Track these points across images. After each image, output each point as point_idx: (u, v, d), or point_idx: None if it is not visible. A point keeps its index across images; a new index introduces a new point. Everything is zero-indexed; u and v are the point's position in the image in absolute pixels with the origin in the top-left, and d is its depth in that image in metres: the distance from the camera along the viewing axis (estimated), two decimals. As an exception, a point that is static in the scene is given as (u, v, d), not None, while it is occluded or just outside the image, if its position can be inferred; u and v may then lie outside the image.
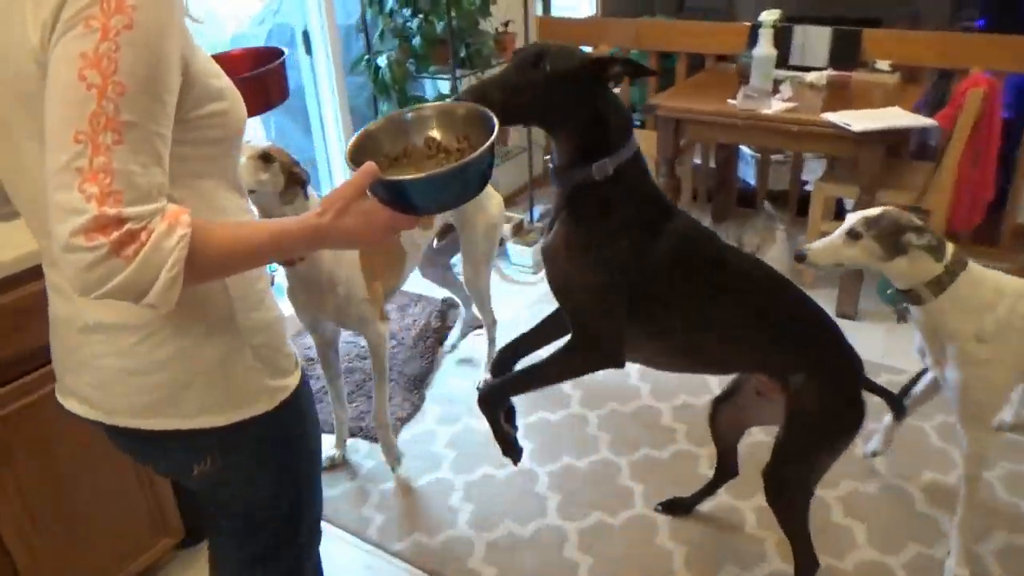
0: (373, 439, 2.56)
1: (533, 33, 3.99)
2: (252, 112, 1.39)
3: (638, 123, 4.10)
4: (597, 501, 2.26)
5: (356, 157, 1.22)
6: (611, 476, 2.36)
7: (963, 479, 1.90)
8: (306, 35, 3.19)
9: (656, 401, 2.70)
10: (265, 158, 1.85)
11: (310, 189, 1.99)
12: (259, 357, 1.12)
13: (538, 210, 4.21)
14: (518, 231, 3.79)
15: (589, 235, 1.46)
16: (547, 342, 1.71)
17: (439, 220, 2.61)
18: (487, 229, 2.65)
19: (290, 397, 1.17)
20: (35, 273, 1.49)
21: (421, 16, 3.04)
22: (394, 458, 2.43)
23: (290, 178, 1.90)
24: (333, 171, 3.45)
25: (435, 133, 1.34)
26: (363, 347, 3.08)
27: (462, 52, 3.15)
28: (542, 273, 3.68)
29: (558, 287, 1.54)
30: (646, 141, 3.70)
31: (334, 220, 1.02)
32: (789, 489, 1.70)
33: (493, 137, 1.21)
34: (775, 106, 3.03)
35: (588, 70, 1.37)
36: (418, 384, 2.86)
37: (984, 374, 1.74)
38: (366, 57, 3.15)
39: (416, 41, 3.06)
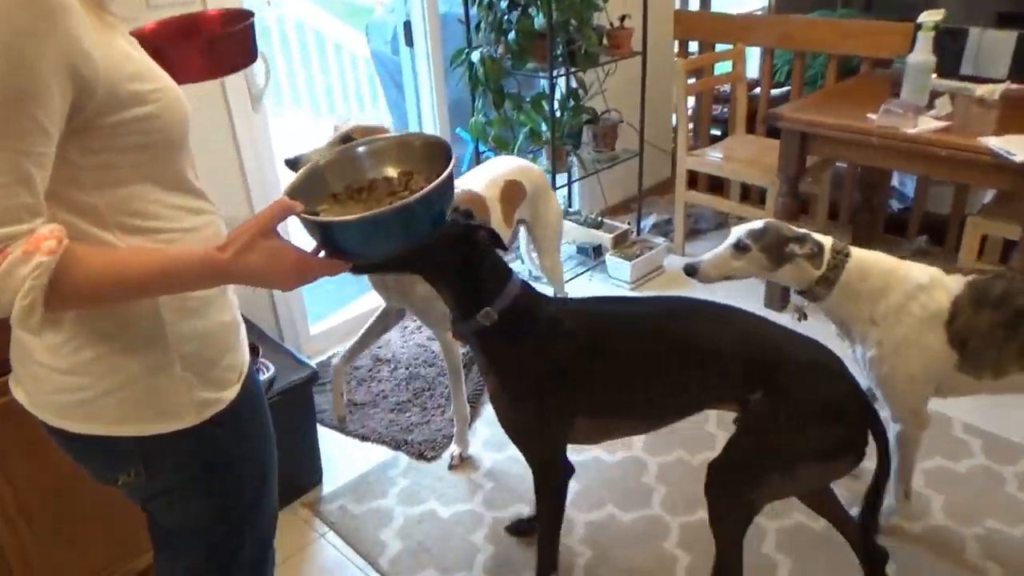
0: (419, 455, 2.45)
1: (660, 28, 3.67)
2: (220, 73, 1.38)
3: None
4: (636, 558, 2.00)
5: (298, 193, 1.13)
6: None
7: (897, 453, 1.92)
8: (407, 26, 3.09)
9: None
10: (345, 141, 1.91)
11: None
12: (188, 368, 1.07)
13: (649, 222, 3.90)
14: (620, 242, 3.51)
15: (504, 378, 1.67)
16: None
17: (519, 214, 2.56)
18: (556, 220, 2.72)
19: (224, 412, 1.12)
20: None
21: (519, 8, 2.84)
22: (462, 451, 2.45)
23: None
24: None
25: (391, 170, 1.25)
26: (432, 353, 2.96)
27: (562, 48, 2.91)
28: (638, 290, 3.39)
29: (505, 429, 1.76)
30: (768, 152, 3.29)
31: (235, 257, 0.97)
32: (725, 493, 1.63)
33: (443, 176, 1.10)
34: (922, 124, 2.55)
35: (461, 239, 1.54)
36: (471, 401, 2.69)
37: (884, 355, 1.78)
38: (466, 51, 3.00)
39: (512, 36, 2.87)
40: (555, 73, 2.86)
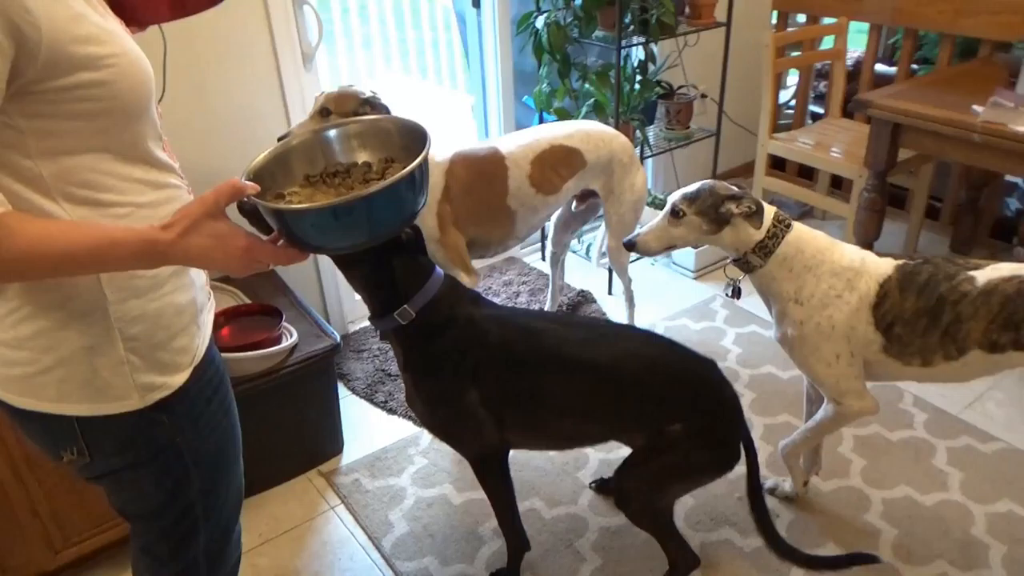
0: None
1: (754, -3, 3.38)
2: (185, 13, 1.33)
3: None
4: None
5: (262, 174, 1.09)
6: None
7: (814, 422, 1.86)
8: (475, -14, 2.95)
9: None
10: (323, 112, 2.01)
11: None
12: (132, 350, 1.03)
13: (725, 205, 3.64)
14: (688, 227, 3.29)
15: (418, 376, 1.63)
16: None
17: (577, 184, 2.41)
18: (635, 202, 2.50)
19: (172, 397, 1.07)
20: None
21: (587, -29, 2.65)
22: None
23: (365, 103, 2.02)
24: (490, 130, 3.22)
25: (366, 156, 1.20)
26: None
27: (631, 17, 2.70)
28: (702, 280, 3.19)
29: (428, 429, 1.79)
30: (862, 141, 3.00)
31: (178, 238, 0.93)
32: (633, 502, 1.69)
33: (408, 168, 1.03)
34: (1035, 122, 2.23)
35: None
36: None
37: (804, 335, 1.70)
38: (533, 15, 2.84)
39: (579, 1, 2.68)
40: (623, 43, 2.66)
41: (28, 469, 1.69)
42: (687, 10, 2.96)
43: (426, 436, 2.39)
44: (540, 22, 2.72)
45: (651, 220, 1.76)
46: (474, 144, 2.30)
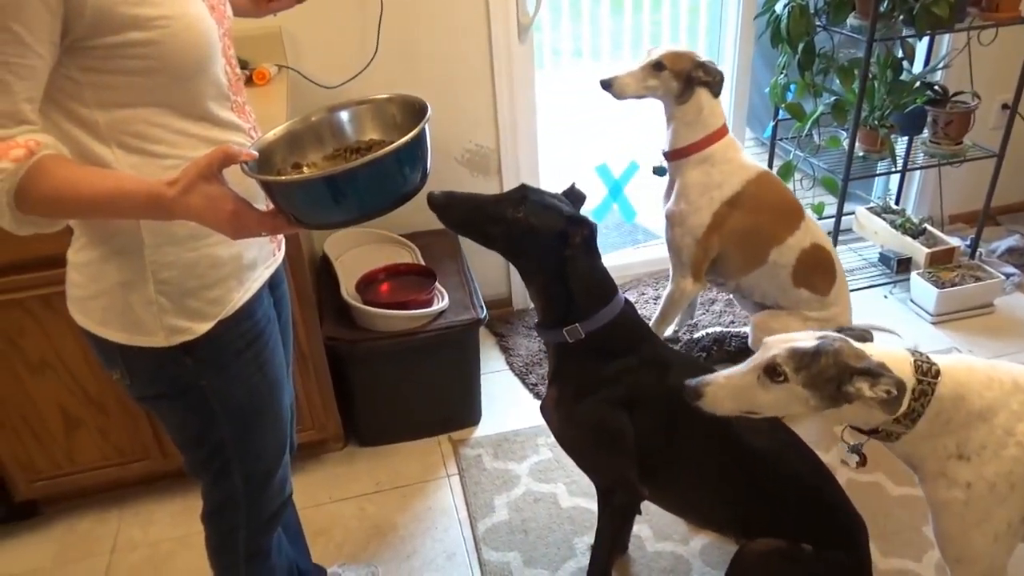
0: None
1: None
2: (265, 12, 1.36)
3: None
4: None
5: (270, 150, 1.10)
6: None
7: None
8: (723, -39, 2.69)
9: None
10: (656, 66, 2.03)
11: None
12: (162, 292, 1.10)
13: (1003, 244, 2.98)
14: (939, 261, 2.75)
15: (571, 392, 1.53)
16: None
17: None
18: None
19: (197, 343, 1.13)
20: None
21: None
22: None
23: (687, 81, 2.02)
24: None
25: (375, 134, 1.17)
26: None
27: (894, 4, 2.26)
28: (942, 328, 2.66)
29: (565, 448, 1.64)
30: None
31: (179, 195, 0.96)
32: None
33: (396, 144, 0.98)
34: None
35: (557, 233, 1.40)
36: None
37: (972, 501, 1.26)
38: (781, -2, 2.52)
39: (830, -16, 2.31)
40: (877, 35, 2.25)
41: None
42: (983, 1, 2.41)
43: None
44: (780, 5, 2.40)
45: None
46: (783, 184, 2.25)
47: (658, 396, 1.50)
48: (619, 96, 2.08)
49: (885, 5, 2.21)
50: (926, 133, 2.71)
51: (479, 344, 2.28)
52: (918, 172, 2.96)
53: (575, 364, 1.52)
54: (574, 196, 1.53)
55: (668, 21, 4.47)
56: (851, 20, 2.38)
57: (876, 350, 1.23)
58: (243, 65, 2.07)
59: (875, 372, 1.17)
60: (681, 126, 2.09)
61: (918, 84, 2.54)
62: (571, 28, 4.46)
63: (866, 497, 1.98)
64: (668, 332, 2.41)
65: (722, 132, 2.10)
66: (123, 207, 0.98)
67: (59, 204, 0.96)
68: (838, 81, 2.54)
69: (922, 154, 2.74)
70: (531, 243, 1.41)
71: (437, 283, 2.22)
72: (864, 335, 1.29)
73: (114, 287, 1.09)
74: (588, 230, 1.41)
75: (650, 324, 2.37)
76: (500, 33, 2.43)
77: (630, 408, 1.49)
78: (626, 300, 1.54)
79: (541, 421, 2.32)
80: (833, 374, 1.18)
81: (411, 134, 0.99)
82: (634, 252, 3.19)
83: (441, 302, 2.19)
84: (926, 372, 1.23)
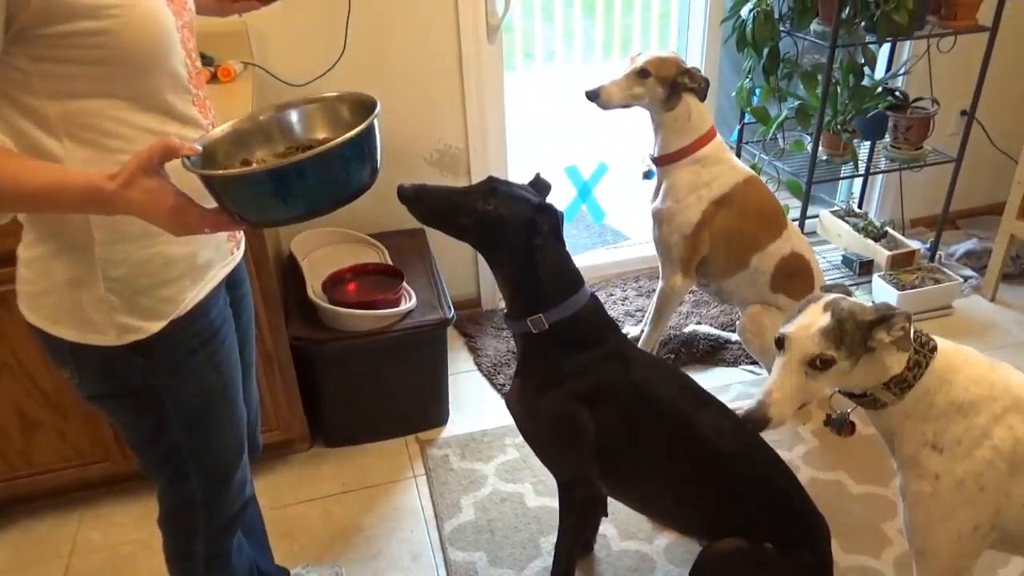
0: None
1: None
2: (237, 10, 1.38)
3: None
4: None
5: (214, 147, 1.07)
6: None
7: None
8: (691, -34, 2.72)
9: None
10: (641, 74, 2.04)
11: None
12: (112, 290, 1.08)
13: (961, 248, 3.05)
14: (900, 263, 2.80)
15: (534, 384, 1.54)
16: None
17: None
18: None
19: (146, 342, 1.11)
20: None
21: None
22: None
23: (672, 87, 2.03)
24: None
25: (324, 132, 1.14)
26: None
27: (854, 10, 2.30)
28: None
29: (527, 440, 1.63)
30: None
31: (119, 188, 0.94)
32: None
33: (340, 139, 0.97)
34: None
35: (525, 223, 1.42)
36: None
37: (938, 494, 1.27)
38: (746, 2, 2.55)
39: (793, -11, 2.35)
40: (840, 41, 2.29)
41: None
42: (942, 9, 2.47)
43: (528, 429, 2.33)
44: (746, 10, 2.43)
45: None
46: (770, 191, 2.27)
47: (621, 392, 1.51)
48: (605, 106, 2.08)
49: (848, 11, 2.25)
50: (887, 138, 2.77)
51: (447, 344, 2.28)
52: (880, 176, 3.02)
53: (539, 356, 1.52)
54: (540, 185, 1.54)
55: (639, 25, 4.51)
56: (814, 26, 2.42)
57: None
58: (208, 62, 2.04)
59: (886, 315, 1.21)
60: (670, 132, 2.10)
61: (879, 90, 2.59)
62: (543, 31, 4.48)
63: (827, 495, 2.02)
64: (657, 337, 2.44)
65: (711, 134, 2.13)
66: (63, 201, 0.96)
67: None
68: (802, 86, 2.58)
69: (884, 158, 2.80)
70: (501, 233, 1.43)
71: (405, 283, 2.21)
72: (847, 290, 1.33)
73: (63, 284, 1.08)
74: (555, 219, 1.43)
75: (646, 326, 2.42)
76: (469, 33, 2.43)
77: (592, 403, 1.50)
78: (592, 294, 1.54)
79: (509, 421, 2.32)
80: (859, 335, 1.21)
81: (357, 129, 0.97)
82: (604, 253, 3.21)
83: (408, 302, 2.18)
84: (924, 344, 1.26)
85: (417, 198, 1.39)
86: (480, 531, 1.99)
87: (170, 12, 1.04)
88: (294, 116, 1.15)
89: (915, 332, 1.26)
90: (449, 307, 2.22)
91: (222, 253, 1.22)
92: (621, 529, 1.98)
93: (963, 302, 2.83)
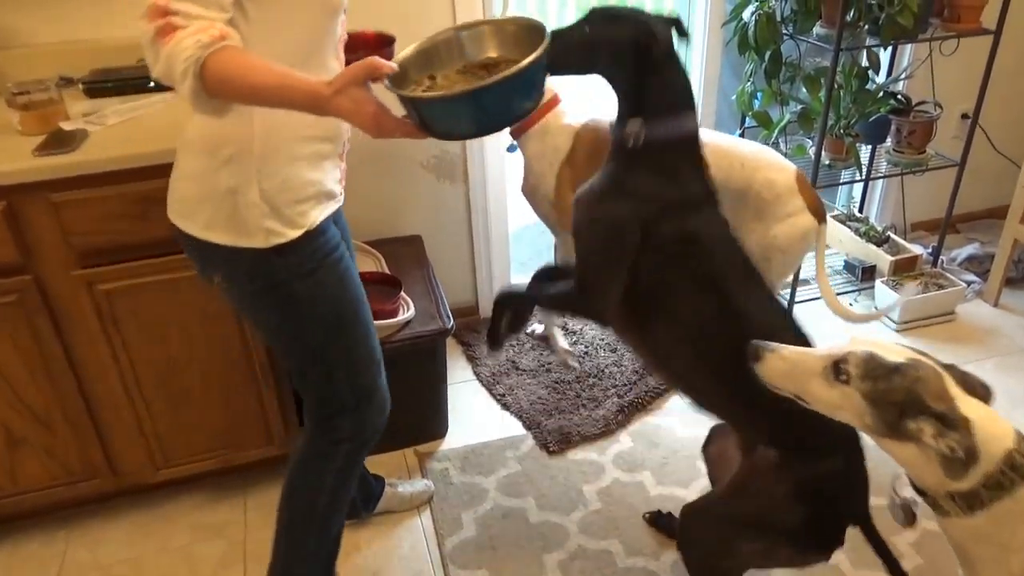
0: (543, 444, 2.25)
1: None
2: None
3: None
4: None
5: (407, 63, 1.24)
6: None
7: None
8: (690, -35, 2.67)
9: None
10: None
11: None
12: (265, 198, 1.27)
13: (963, 252, 3.03)
14: (903, 269, 2.78)
15: (609, 189, 1.45)
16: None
17: None
18: (771, 251, 2.06)
19: (286, 246, 1.30)
20: (164, 170, 1.56)
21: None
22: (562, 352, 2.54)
23: None
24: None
25: (500, 52, 1.30)
26: (583, 348, 2.68)
27: (859, 13, 2.27)
28: (905, 333, 2.68)
29: (574, 231, 1.52)
30: None
31: (333, 95, 1.11)
32: (693, 548, 1.53)
33: (520, 66, 1.11)
34: None
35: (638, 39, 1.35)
36: (627, 411, 2.38)
37: None
38: (750, 1, 2.51)
39: (797, -9, 2.31)
40: (844, 44, 2.25)
41: (139, 392, 1.84)
42: (945, 12, 2.44)
43: (528, 441, 2.28)
44: (748, 12, 2.39)
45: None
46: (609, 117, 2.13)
47: (678, 236, 1.39)
48: None
49: (852, 15, 2.22)
50: (888, 142, 2.74)
51: (446, 355, 2.22)
52: (881, 180, 2.99)
53: (622, 167, 1.42)
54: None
55: None
56: (817, 29, 2.39)
57: (980, 407, 1.05)
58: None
59: (948, 420, 1.00)
60: None
61: (882, 94, 2.56)
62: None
63: None
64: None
65: (553, 102, 2.21)
66: (284, 97, 1.12)
67: (231, 84, 1.08)
68: (804, 90, 2.54)
69: (885, 162, 2.77)
70: (611, 43, 1.35)
71: (403, 292, 2.16)
72: (980, 389, 1.09)
73: (224, 192, 1.26)
74: (674, 25, 1.38)
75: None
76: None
77: (645, 234, 1.39)
78: (696, 131, 1.42)
79: (509, 433, 2.31)
80: (900, 400, 1.03)
81: (535, 54, 1.12)
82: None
83: (407, 312, 2.13)
84: (1015, 468, 1.02)
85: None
86: (482, 548, 1.94)
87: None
88: (466, 35, 1.31)
89: (1010, 453, 1.02)
90: (448, 317, 2.16)
91: (337, 189, 1.41)
92: (627, 545, 1.93)
93: (965, 307, 2.81)
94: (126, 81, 1.91)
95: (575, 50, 1.34)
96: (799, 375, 1.11)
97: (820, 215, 2.07)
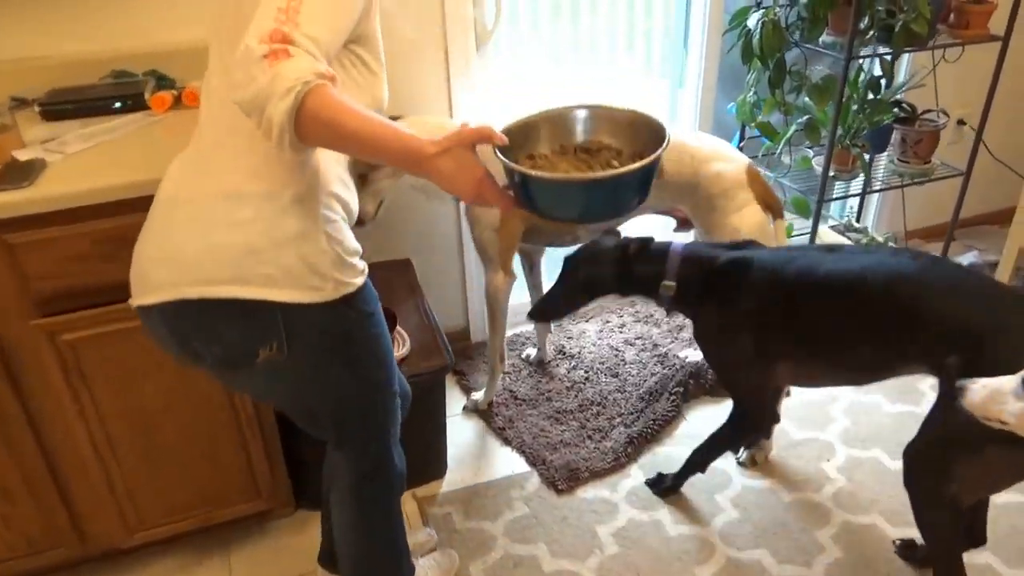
0: (550, 482, 2.10)
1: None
2: None
3: None
4: None
5: (510, 135, 1.21)
6: None
7: None
8: (688, -27, 2.55)
9: None
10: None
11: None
12: (330, 242, 1.18)
13: (966, 258, 2.96)
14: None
15: (699, 330, 1.82)
16: None
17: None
18: (732, 235, 2.00)
19: (353, 294, 1.22)
20: (135, 205, 1.39)
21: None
22: (481, 400, 2.38)
23: None
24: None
25: (605, 138, 1.31)
26: (623, 360, 2.55)
27: (872, 20, 2.17)
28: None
29: (712, 367, 2.00)
30: None
31: (436, 154, 1.07)
32: (915, 484, 1.54)
33: (646, 161, 1.14)
34: None
35: (618, 255, 1.80)
36: (636, 442, 2.25)
37: None
38: (751, 10, 2.39)
39: (805, -2, 2.21)
40: (854, 52, 2.15)
41: (110, 450, 1.65)
42: (951, 17, 2.36)
43: (533, 479, 2.13)
44: (754, 20, 2.28)
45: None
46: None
47: (760, 290, 1.66)
48: None
49: (865, 22, 2.12)
50: (890, 151, 2.65)
51: (445, 391, 2.07)
52: (875, 192, 2.90)
53: (689, 310, 1.82)
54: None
55: (637, 31, 4.30)
56: (824, 37, 2.28)
57: None
58: (170, 84, 1.80)
59: None
60: None
61: (891, 102, 2.47)
62: (533, 41, 4.25)
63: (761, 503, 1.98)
64: (500, 341, 2.30)
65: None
66: (383, 148, 1.05)
67: (327, 120, 0.99)
68: (807, 99, 2.44)
69: (889, 172, 2.68)
70: (606, 278, 1.83)
71: (399, 327, 1.99)
72: None
73: (291, 239, 1.13)
74: (635, 248, 1.79)
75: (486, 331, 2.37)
76: (458, 50, 2.22)
77: (744, 319, 1.70)
78: (683, 246, 1.79)
79: (513, 471, 2.17)
80: None
81: (652, 156, 1.14)
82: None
83: (403, 348, 1.96)
84: None
85: (547, 315, 2.00)
86: (487, 603, 1.79)
87: None
88: (580, 116, 1.31)
89: None
90: (447, 349, 2.00)
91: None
92: (777, 553, 1.87)
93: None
94: (89, 102, 1.70)
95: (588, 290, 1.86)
96: (999, 397, 1.18)
97: (774, 210, 2.05)
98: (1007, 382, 1.19)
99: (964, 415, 1.22)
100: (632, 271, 1.78)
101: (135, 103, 1.73)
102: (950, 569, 1.55)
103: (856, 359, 1.62)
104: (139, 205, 1.29)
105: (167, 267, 1.15)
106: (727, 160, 2.00)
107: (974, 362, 1.35)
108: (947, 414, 1.44)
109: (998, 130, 2.92)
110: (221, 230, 1.12)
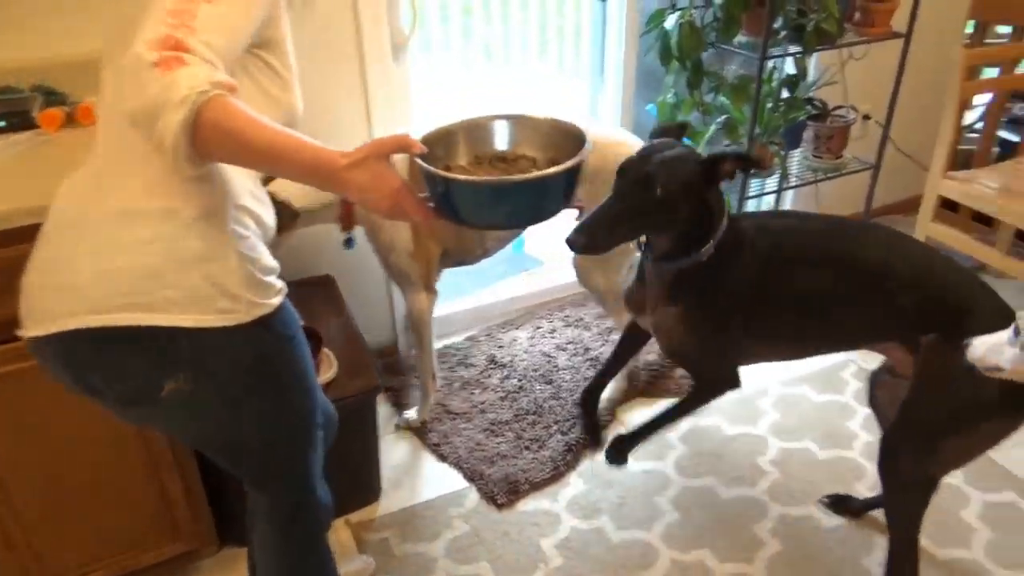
0: (490, 497, 2.05)
1: (941, 2, 2.77)
2: None
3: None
4: None
5: (427, 144, 1.13)
6: None
7: None
8: (604, -25, 2.55)
9: None
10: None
11: None
12: (245, 260, 1.08)
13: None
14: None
15: (702, 307, 1.59)
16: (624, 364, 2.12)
17: None
18: None
19: (270, 316, 1.12)
20: (23, 235, 1.26)
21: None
22: (415, 420, 2.30)
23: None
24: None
25: (523, 147, 1.26)
26: (556, 367, 2.53)
27: (784, 21, 2.21)
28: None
29: (673, 353, 1.75)
30: None
31: (349, 166, 1.01)
32: (900, 460, 1.53)
33: (567, 165, 1.10)
34: None
35: (702, 176, 1.43)
36: (575, 449, 2.22)
37: None
38: (667, 12, 2.41)
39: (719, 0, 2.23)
40: (767, 51, 2.18)
41: (7, 503, 1.51)
42: (856, 15, 2.43)
43: (472, 495, 2.07)
44: (671, 22, 2.29)
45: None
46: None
47: (762, 261, 1.53)
48: None
49: (779, 23, 2.15)
50: (803, 148, 2.72)
51: (376, 412, 1.99)
52: (792, 188, 2.98)
53: (694, 280, 1.55)
54: (669, 131, 1.54)
55: (561, 35, 4.31)
56: (739, 37, 2.31)
57: None
58: (61, 100, 1.66)
59: None
60: None
61: (803, 100, 2.53)
62: (459, 44, 4.20)
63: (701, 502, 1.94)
64: (430, 361, 2.27)
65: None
66: (293, 162, 0.99)
67: (226, 132, 0.93)
68: (724, 99, 2.47)
69: (798, 167, 2.74)
70: (679, 203, 1.43)
71: (324, 348, 1.90)
72: None
73: (194, 260, 1.03)
74: (730, 161, 1.43)
75: (415, 354, 2.30)
76: (373, 56, 2.15)
77: (747, 292, 1.55)
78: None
79: (450, 489, 2.10)
80: None
81: (575, 159, 1.09)
82: (524, 282, 2.98)
83: (330, 371, 1.88)
84: None
85: (591, 244, 1.42)
86: (437, 630, 1.73)
87: None
88: (499, 127, 1.26)
89: None
90: (377, 369, 1.93)
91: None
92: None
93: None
94: (-35, 122, 1.56)
95: (645, 221, 1.45)
96: (997, 348, 1.23)
97: None
98: (1002, 333, 1.25)
99: (961, 378, 1.28)
100: (709, 200, 1.47)
101: (22, 121, 1.59)
102: (910, 552, 1.57)
103: (837, 331, 1.61)
104: (28, 235, 1.17)
105: (59, 295, 1.04)
106: (627, 146, 1.99)
107: (949, 339, 1.38)
108: (929, 396, 1.47)
109: (902, 124, 3.04)
110: (117, 252, 1.02)
